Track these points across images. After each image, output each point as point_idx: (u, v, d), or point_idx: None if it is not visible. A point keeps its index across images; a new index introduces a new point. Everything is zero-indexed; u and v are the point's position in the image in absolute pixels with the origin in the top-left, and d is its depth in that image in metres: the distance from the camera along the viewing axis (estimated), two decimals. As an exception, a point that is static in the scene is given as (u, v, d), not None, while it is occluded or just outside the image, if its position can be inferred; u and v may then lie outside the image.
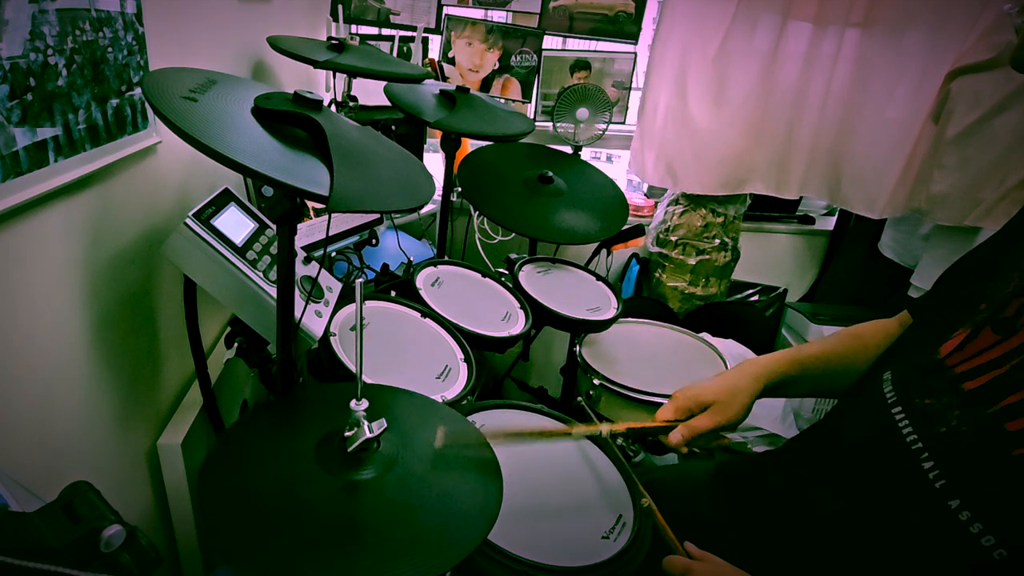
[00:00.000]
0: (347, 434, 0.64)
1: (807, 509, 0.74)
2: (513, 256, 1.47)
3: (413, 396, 0.82)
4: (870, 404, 0.71)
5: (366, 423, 0.64)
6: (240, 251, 0.85)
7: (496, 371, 1.82)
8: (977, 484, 0.57)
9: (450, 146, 1.40)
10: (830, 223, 2.40)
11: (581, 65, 2.23)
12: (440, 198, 1.52)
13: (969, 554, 0.56)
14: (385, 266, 1.46)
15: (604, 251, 2.08)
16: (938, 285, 0.82)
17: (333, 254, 1.41)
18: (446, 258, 1.41)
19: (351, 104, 1.70)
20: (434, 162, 1.96)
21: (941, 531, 0.58)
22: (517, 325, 1.22)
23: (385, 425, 0.64)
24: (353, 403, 0.65)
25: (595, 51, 2.27)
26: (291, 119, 0.72)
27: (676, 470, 1.12)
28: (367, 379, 0.70)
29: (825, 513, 0.72)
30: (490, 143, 1.55)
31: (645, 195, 2.39)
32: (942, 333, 0.67)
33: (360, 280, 0.78)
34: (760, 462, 0.95)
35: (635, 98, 2.29)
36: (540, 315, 1.29)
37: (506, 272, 1.41)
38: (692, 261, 2.19)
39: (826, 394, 0.93)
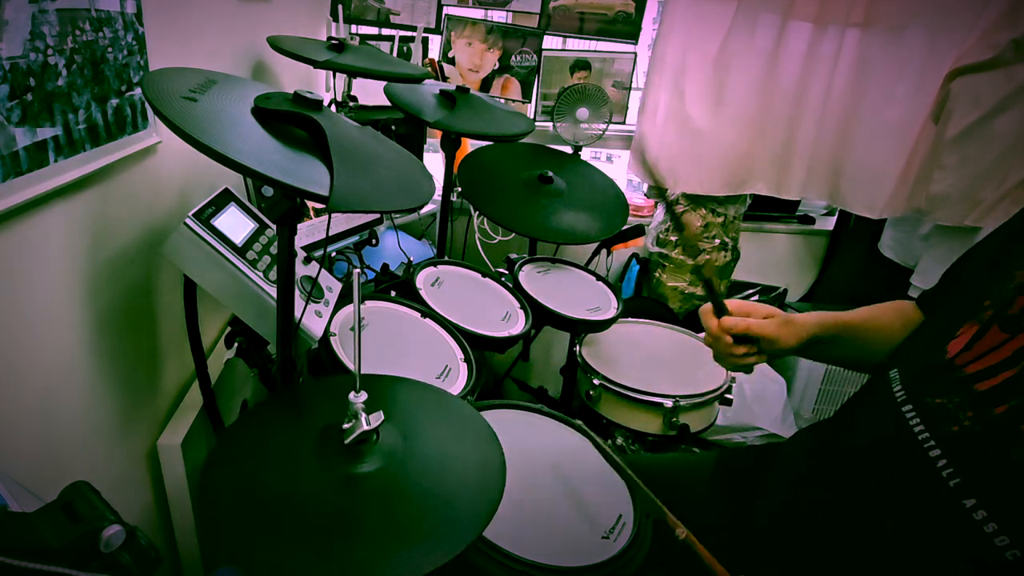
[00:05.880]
0: (345, 426, 0.64)
1: (814, 506, 0.74)
2: (513, 256, 1.47)
3: (414, 386, 0.82)
4: (880, 402, 0.70)
5: (363, 415, 0.64)
6: (240, 251, 0.85)
7: (496, 371, 1.82)
8: (993, 484, 0.57)
9: (450, 146, 1.40)
10: (830, 223, 2.40)
11: (581, 65, 2.23)
12: (440, 198, 1.53)
13: (982, 553, 0.55)
14: (385, 266, 1.46)
15: (604, 251, 2.08)
16: (944, 280, 0.81)
17: (333, 254, 1.41)
18: (446, 258, 1.41)
19: (351, 104, 1.70)
20: (434, 162, 1.96)
21: (954, 530, 0.58)
22: (517, 325, 1.22)
23: (382, 417, 0.64)
24: (352, 395, 0.64)
25: (595, 51, 2.26)
26: (291, 119, 0.72)
27: (677, 462, 1.10)
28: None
29: (834, 510, 0.71)
30: (490, 143, 1.55)
31: (645, 195, 2.39)
32: (947, 330, 0.67)
33: (357, 270, 0.78)
34: (764, 457, 0.93)
35: (635, 98, 2.28)
36: (540, 315, 1.28)
37: (506, 272, 1.41)
38: (692, 261, 2.19)
39: (858, 365, 0.91)
